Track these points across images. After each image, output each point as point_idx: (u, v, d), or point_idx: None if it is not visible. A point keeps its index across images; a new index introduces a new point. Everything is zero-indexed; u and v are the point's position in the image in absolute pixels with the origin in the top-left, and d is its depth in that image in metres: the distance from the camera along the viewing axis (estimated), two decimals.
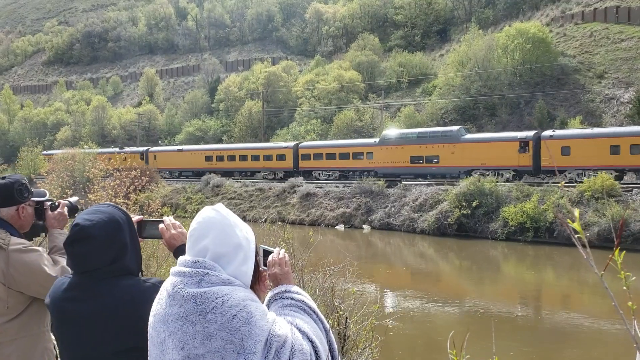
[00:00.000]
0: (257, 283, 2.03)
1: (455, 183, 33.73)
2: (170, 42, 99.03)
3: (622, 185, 28.64)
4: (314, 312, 1.98)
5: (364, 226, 35.24)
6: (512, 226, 28.67)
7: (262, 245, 2.16)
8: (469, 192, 30.97)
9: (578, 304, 18.55)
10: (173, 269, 1.89)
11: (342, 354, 4.42)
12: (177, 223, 2.52)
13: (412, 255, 29.62)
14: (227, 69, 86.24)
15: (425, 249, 30.01)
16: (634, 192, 28.08)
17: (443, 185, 34.64)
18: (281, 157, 47.55)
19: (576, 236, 1.15)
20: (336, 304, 4.40)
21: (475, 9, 69.04)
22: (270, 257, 2.13)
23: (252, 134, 63.59)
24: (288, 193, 40.88)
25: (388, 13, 77.33)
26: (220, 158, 52.15)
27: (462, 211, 30.48)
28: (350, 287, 4.87)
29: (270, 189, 42.33)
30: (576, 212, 1.19)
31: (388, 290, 20.13)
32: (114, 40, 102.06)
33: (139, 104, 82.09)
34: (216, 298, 1.75)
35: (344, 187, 39.30)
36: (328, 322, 4.41)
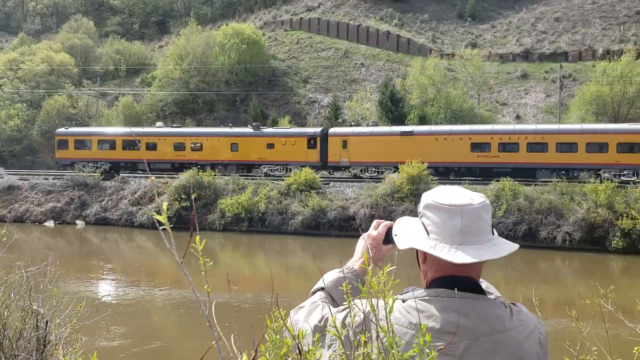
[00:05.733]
0: None
1: (175, 175, 33.93)
2: None
3: (321, 179, 32.46)
4: None
5: (77, 221, 33.14)
6: (228, 217, 30.19)
7: None
8: (188, 185, 31.57)
9: (285, 288, 20.35)
10: None
11: None
12: None
13: (131, 249, 29.03)
14: None
15: (144, 243, 29.69)
16: (330, 185, 32.12)
17: (163, 177, 34.58)
18: None
19: (161, 228, 1.19)
20: (35, 307, 4.32)
21: (193, 4, 69.99)
22: None
23: None
24: None
25: None
26: (511, 147, 31.27)
27: (182, 204, 30.94)
28: (54, 288, 4.80)
29: None
30: (164, 204, 1.22)
31: (101, 287, 19.49)
32: None
33: None
34: None
35: (54, 179, 36.29)
36: (24, 328, 4.33)
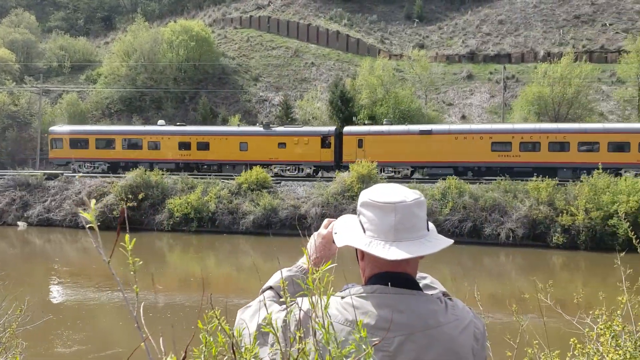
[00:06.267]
0: None
1: (121, 175, 33.15)
2: None
3: (273, 178, 32.36)
4: None
5: (19, 223, 31.97)
6: (177, 217, 29.72)
7: None
8: (135, 185, 30.92)
9: (236, 288, 20.24)
10: None
11: None
12: None
13: (75, 251, 28.21)
14: None
15: (90, 244, 28.84)
16: (282, 184, 32.08)
17: (109, 177, 33.76)
18: None
19: (87, 226, 1.15)
20: None
21: (141, 0, 68.60)
22: None
23: None
24: None
25: None
26: (533, 146, 30.82)
27: (128, 204, 30.25)
28: None
29: None
30: (92, 203, 1.21)
31: (47, 291, 18.88)
32: None
33: None
34: None
35: None
36: None
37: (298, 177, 33.78)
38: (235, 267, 24.17)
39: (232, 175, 32.81)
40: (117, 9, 69.86)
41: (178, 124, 40.35)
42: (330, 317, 1.44)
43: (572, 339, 3.71)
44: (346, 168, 33.62)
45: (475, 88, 48.20)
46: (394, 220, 1.69)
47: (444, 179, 28.08)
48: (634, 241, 4.11)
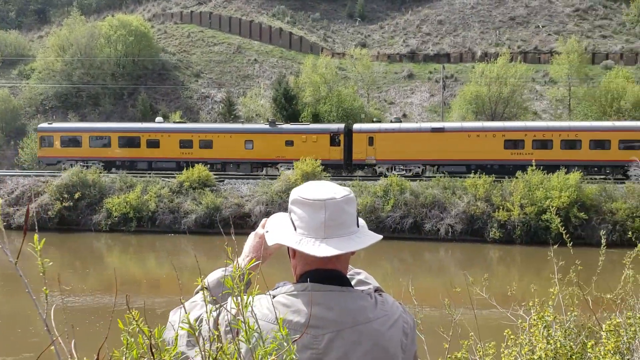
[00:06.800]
0: None
1: (56, 174, 31.98)
2: None
3: (215, 175, 31.91)
4: None
5: None
6: (116, 217, 28.92)
7: None
8: (71, 184, 29.92)
9: (177, 289, 19.83)
10: None
11: None
12: None
13: (10, 254, 26.97)
14: None
15: (24, 247, 27.66)
16: (225, 182, 31.69)
17: (43, 176, 32.50)
18: None
19: None
20: None
21: None
22: None
23: None
24: None
25: None
26: (545, 144, 30.66)
27: (64, 203, 29.28)
28: None
29: None
30: None
31: None
32: None
33: None
34: None
35: None
36: None
37: None
38: (175, 267, 23.71)
39: (173, 174, 32.21)
40: (51, 2, 67.22)
41: (178, 120, 38.61)
42: (255, 315, 1.43)
43: (506, 330, 3.83)
44: (357, 167, 33.22)
45: (415, 87, 49.14)
46: (324, 217, 1.70)
47: (385, 177, 28.50)
48: (564, 236, 4.29)
